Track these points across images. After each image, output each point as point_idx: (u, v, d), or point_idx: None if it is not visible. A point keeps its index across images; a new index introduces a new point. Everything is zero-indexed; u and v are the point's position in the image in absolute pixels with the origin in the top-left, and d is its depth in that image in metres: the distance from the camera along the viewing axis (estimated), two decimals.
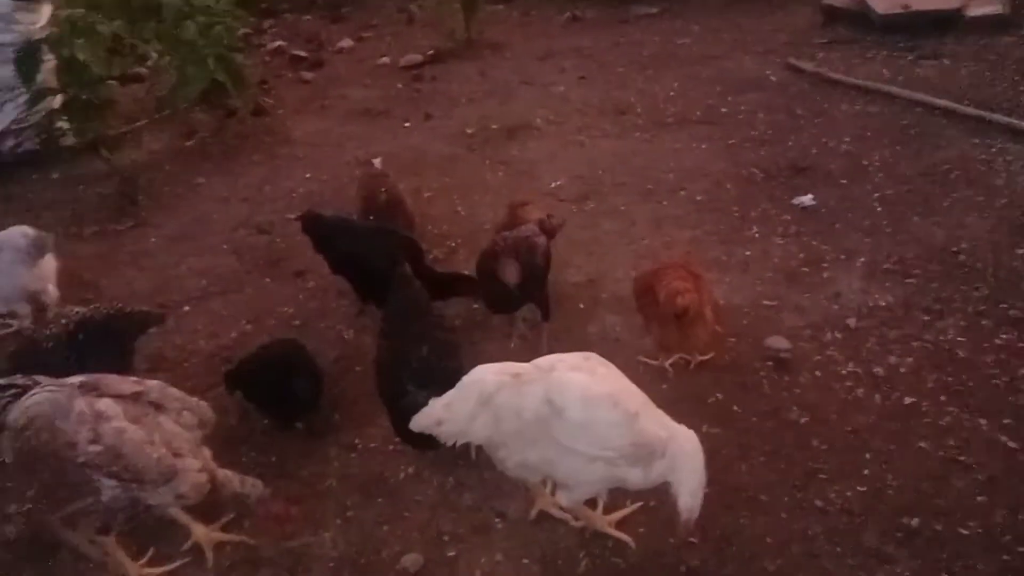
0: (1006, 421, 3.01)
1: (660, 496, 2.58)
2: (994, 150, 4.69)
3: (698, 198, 4.64)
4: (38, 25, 5.52)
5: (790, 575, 2.55)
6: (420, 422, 2.42)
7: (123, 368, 3.01)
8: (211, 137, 6.00)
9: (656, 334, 3.36)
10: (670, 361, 3.40)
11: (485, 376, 2.41)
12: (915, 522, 2.66)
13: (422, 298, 3.15)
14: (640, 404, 2.45)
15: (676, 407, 2.69)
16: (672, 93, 5.89)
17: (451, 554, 2.74)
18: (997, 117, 4.93)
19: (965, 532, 2.63)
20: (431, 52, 7.15)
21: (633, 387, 2.51)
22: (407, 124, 5.93)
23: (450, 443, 2.42)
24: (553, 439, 2.37)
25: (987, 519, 2.65)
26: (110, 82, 5.52)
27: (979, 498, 2.73)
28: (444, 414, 2.39)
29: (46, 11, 5.69)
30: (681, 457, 2.44)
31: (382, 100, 6.39)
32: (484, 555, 2.72)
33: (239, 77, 5.83)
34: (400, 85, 6.64)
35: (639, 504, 2.77)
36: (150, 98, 6.34)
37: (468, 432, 2.41)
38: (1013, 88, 5.31)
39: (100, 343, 3.02)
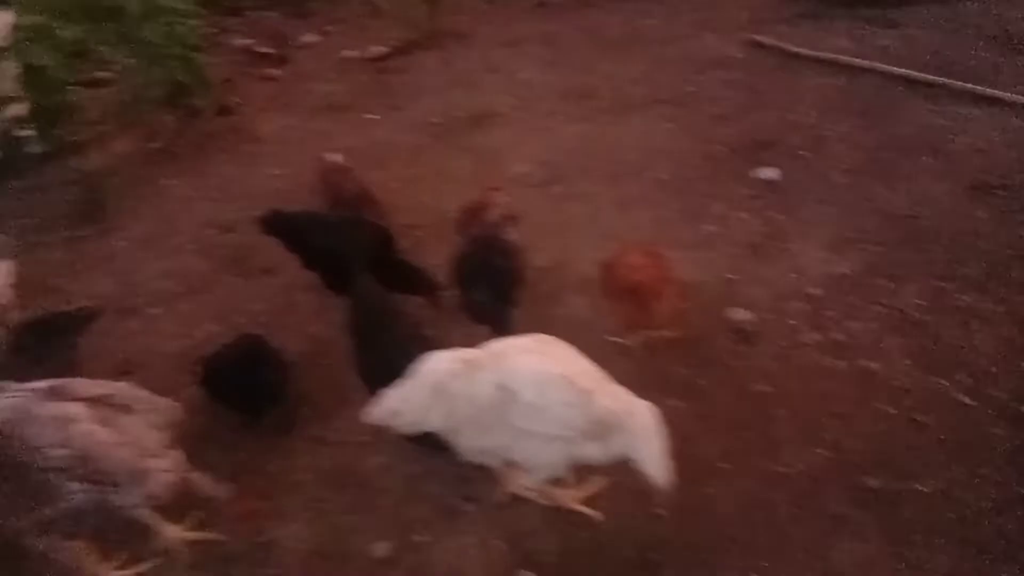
0: (964, 380, 3.05)
1: (627, 471, 2.61)
2: (953, 117, 4.74)
3: (663, 178, 4.65)
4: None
5: (754, 541, 2.59)
6: (376, 414, 2.44)
7: (71, 366, 3.03)
8: (176, 138, 5.95)
9: (620, 313, 3.39)
10: (636, 339, 3.43)
11: (438, 365, 2.42)
12: (875, 483, 2.70)
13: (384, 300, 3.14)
14: (595, 382, 2.47)
15: (642, 383, 2.70)
16: (637, 75, 5.90)
17: (421, 540, 2.76)
18: (956, 84, 4.98)
19: (925, 490, 2.67)
20: (396, 44, 7.12)
21: (589, 365, 2.53)
22: (373, 117, 5.92)
23: (408, 433, 2.44)
24: (509, 423, 2.39)
25: (944, 476, 2.70)
26: (73, 87, 5.49)
27: (938, 456, 2.78)
28: (399, 405, 2.41)
29: (6, 19, 5.64)
30: (640, 431, 2.47)
31: (348, 94, 6.37)
32: (453, 539, 2.74)
33: (202, 77, 5.81)
34: (366, 78, 6.62)
35: (606, 480, 2.79)
36: (114, 102, 6.29)
37: (424, 422, 2.43)
38: (972, 54, 5.36)
39: (44, 344, 3.03)
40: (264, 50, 7.36)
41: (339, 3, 8.34)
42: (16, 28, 5.42)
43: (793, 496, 2.70)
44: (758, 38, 5.99)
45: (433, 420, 2.42)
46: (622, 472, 2.68)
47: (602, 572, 2.58)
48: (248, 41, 7.61)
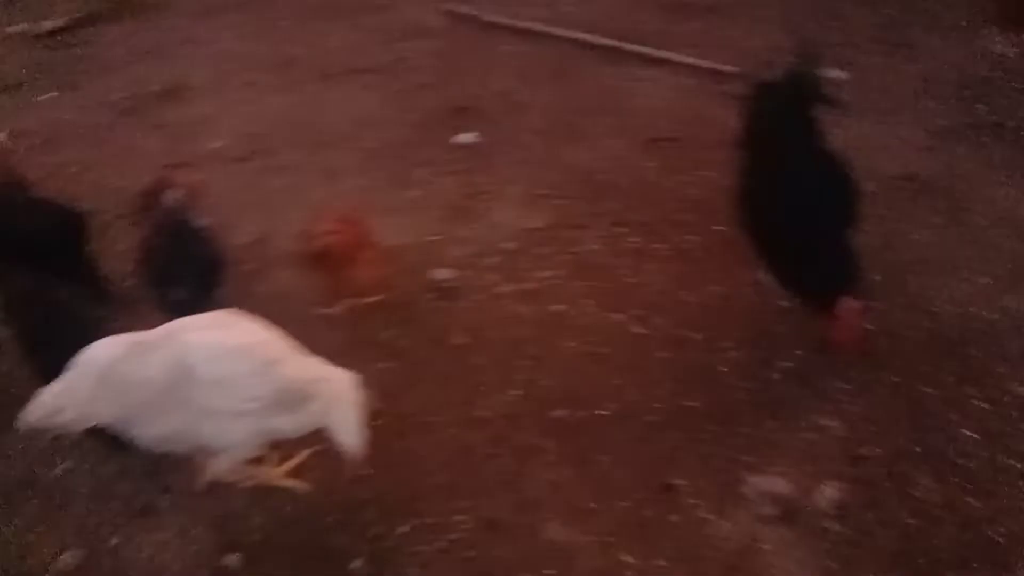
0: (637, 313, 3.40)
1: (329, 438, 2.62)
2: (630, 78, 5.20)
3: (369, 146, 4.67)
4: None
5: (455, 484, 2.72)
6: (33, 416, 2.22)
7: None
8: None
9: (321, 282, 3.37)
10: (340, 308, 3.43)
11: (102, 351, 2.26)
12: (562, 413, 2.94)
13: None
14: (281, 352, 2.44)
15: (351, 351, 2.77)
16: (339, 44, 5.85)
17: (115, 542, 2.59)
18: (631, 47, 5.47)
19: (605, 413, 2.95)
20: (78, 15, 6.47)
21: (275, 337, 2.49)
22: (49, 96, 5.35)
23: (74, 431, 2.26)
24: (191, 404, 2.29)
25: (621, 399, 2.99)
26: None
27: (615, 382, 3.07)
28: (60, 401, 2.21)
29: None
30: (334, 398, 2.48)
31: (18, 72, 5.70)
32: (151, 535, 2.60)
33: None
34: (38, 54, 5.95)
35: (310, 450, 2.78)
36: None
37: (92, 415, 2.26)
38: (646, 19, 5.90)
39: None
40: None
41: None
42: None
43: (490, 437, 2.86)
44: (455, 7, 6.17)
45: (103, 412, 2.25)
46: (326, 439, 2.70)
47: (311, 541, 2.58)
48: None
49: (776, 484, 2.55)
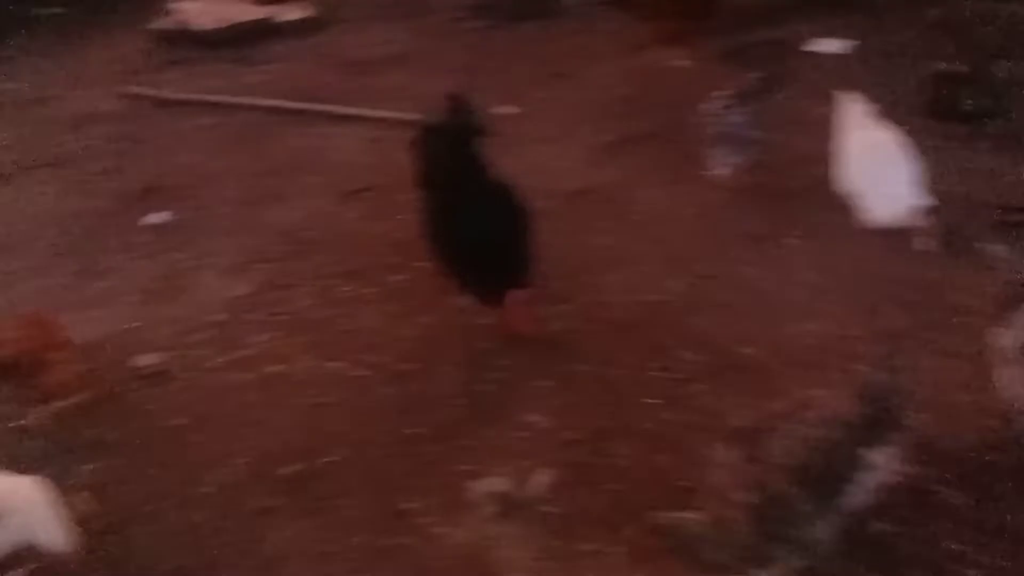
0: (357, 357, 3.49)
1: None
2: (320, 137, 5.34)
3: (50, 243, 4.39)
4: None
5: (187, 567, 2.63)
6: None
7: None
8: None
9: (13, 392, 3.13)
10: (37, 416, 3.19)
11: None
12: (290, 469, 2.95)
13: None
14: None
15: (56, 458, 2.62)
16: (9, 141, 5.45)
17: None
18: (316, 107, 5.63)
19: (334, 459, 2.99)
20: None
21: None
22: None
23: None
24: None
25: (348, 442, 3.05)
26: None
27: (341, 428, 3.14)
28: None
29: None
30: (28, 509, 2.34)
31: None
32: None
33: None
34: None
35: (25, 568, 2.56)
36: None
37: None
38: (325, 81, 6.10)
39: None
40: None
41: None
42: None
43: (217, 511, 2.81)
44: (130, 89, 5.97)
45: None
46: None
47: None
48: None
49: (496, 484, 2.74)
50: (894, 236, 3.69)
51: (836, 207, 3.85)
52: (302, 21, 6.90)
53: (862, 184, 3.76)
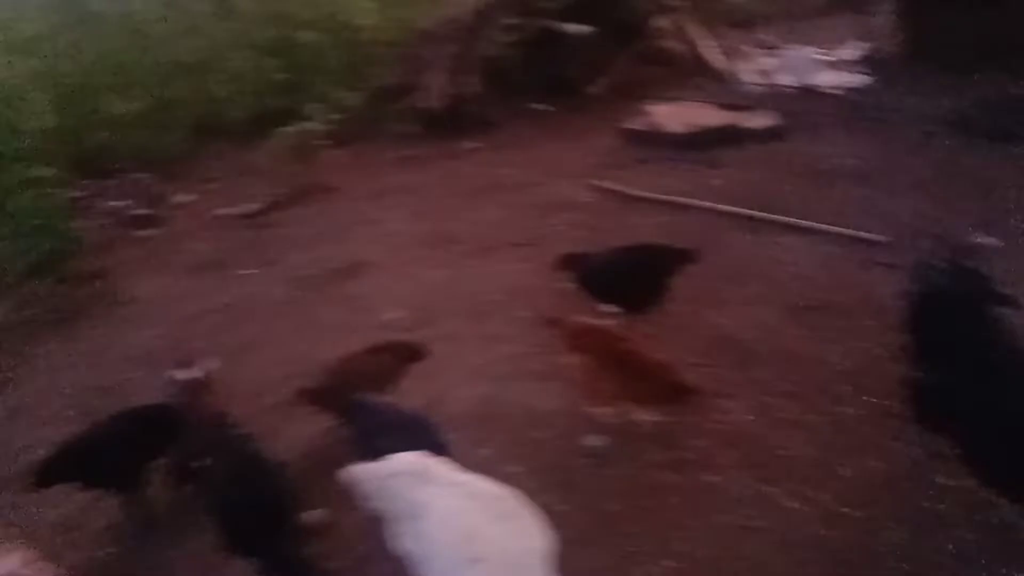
0: (790, 486, 3.41)
1: None
2: (773, 246, 5.36)
3: (523, 314, 5.03)
4: None
5: None
6: None
7: None
8: (48, 305, 5.95)
9: None
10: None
11: None
12: None
13: None
14: None
15: None
16: (495, 220, 6.41)
17: None
18: (773, 216, 5.67)
19: None
20: (270, 200, 7.45)
21: None
22: (247, 272, 6.12)
23: None
24: None
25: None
26: None
27: (771, 558, 3.07)
28: None
29: None
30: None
31: (221, 251, 6.58)
32: None
33: (72, 243, 5.90)
34: (239, 234, 6.86)
35: None
36: None
37: None
38: (785, 189, 6.12)
39: None
40: (138, 211, 7.52)
41: (212, 162, 8.65)
42: None
43: None
44: (600, 183, 6.64)
45: None
46: None
47: None
48: (121, 203, 7.75)
49: None
50: None
51: None
52: (766, 128, 7.05)
53: None
